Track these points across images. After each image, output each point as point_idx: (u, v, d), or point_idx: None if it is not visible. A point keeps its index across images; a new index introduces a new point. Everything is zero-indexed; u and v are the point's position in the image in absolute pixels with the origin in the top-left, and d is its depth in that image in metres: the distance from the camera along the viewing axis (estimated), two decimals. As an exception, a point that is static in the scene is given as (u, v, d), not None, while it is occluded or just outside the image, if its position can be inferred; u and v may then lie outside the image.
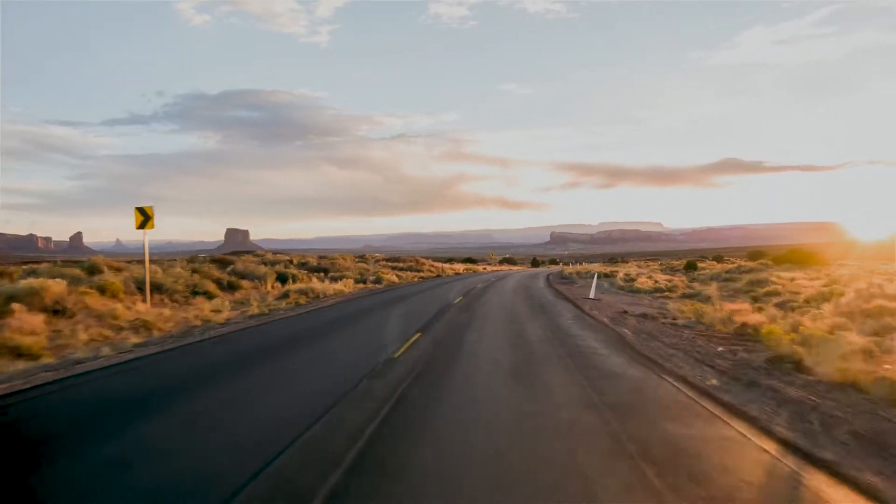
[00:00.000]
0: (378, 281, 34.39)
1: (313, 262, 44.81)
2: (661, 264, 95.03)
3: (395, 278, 36.69)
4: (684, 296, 29.63)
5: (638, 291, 32.52)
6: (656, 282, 37.29)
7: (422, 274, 45.79)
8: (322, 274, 35.33)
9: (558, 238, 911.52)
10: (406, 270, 50.31)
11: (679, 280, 38.59)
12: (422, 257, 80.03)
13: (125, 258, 26.78)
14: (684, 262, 69.86)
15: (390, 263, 55.95)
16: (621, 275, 44.04)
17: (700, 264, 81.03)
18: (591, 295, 23.15)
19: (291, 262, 39.84)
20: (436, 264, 68.55)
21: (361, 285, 30.30)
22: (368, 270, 40.67)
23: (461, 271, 62.64)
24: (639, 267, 71.09)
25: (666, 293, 31.51)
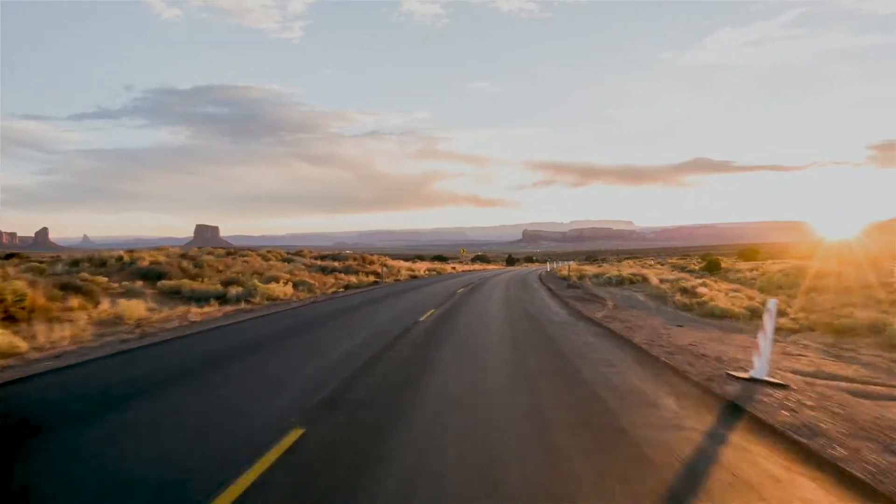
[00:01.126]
0: (246, 297, 18.02)
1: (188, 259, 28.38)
2: (659, 261, 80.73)
3: (284, 292, 20.29)
4: (840, 331, 14.89)
5: (725, 316, 17.47)
6: (726, 294, 22.26)
7: (357, 278, 29.76)
8: (148, 282, 18.90)
9: (531, 236, 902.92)
10: (340, 272, 34.11)
11: (751, 293, 23.66)
12: (376, 255, 63.94)
13: None
14: (703, 259, 55.17)
15: (323, 263, 39.68)
16: (655, 281, 28.72)
17: (689, 264, 67.15)
18: (761, 376, 7.28)
19: (121, 259, 23.31)
20: (391, 263, 52.46)
21: (184, 309, 14.09)
22: (263, 274, 24.41)
23: (422, 273, 46.50)
24: (642, 267, 56.30)
25: (787, 323, 16.68)
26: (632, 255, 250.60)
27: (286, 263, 38.68)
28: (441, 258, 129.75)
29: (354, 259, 45.58)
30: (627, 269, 44.82)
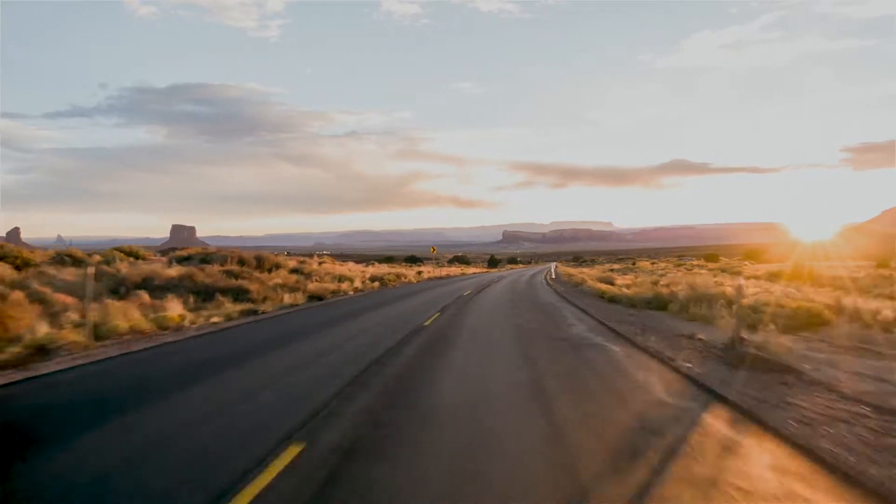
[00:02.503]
0: None
1: None
2: (680, 262, 62.46)
3: None
4: None
5: None
6: None
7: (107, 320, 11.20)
8: None
9: (511, 237, 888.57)
10: (164, 290, 15.43)
11: None
12: (310, 256, 45.44)
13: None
14: (786, 263, 37.19)
15: (163, 272, 20.71)
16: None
17: (735, 266, 51.65)
18: None
19: None
20: (321, 267, 33.79)
21: None
22: None
23: (353, 287, 27.57)
24: (685, 270, 38.69)
25: None
26: (614, 255, 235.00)
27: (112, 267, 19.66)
28: (415, 259, 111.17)
29: (241, 263, 26.48)
30: (616, 272, 26.54)
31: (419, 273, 47.13)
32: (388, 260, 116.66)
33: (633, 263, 60.81)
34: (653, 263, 62.12)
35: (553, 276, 39.82)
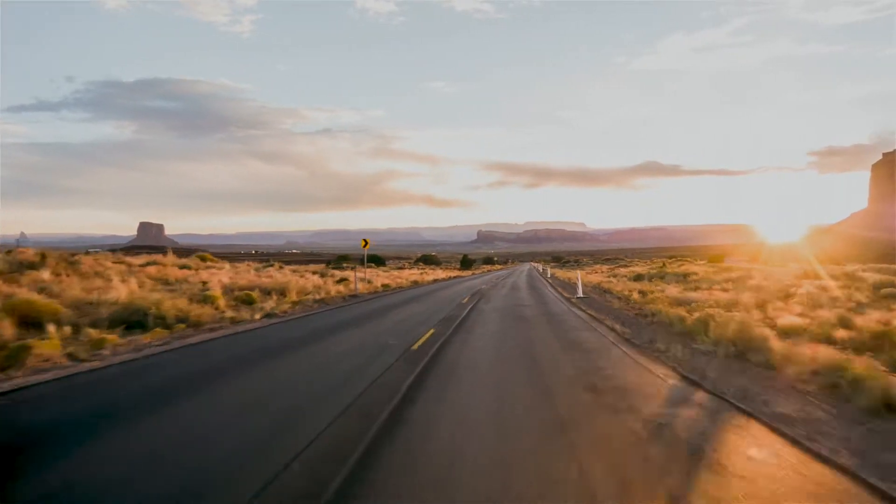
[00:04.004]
0: None
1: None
2: (730, 266, 43.75)
3: None
4: None
5: None
6: None
7: None
8: None
9: (486, 237, 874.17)
10: None
11: None
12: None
13: None
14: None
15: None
16: None
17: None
18: None
19: None
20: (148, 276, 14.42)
21: None
22: None
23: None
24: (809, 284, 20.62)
25: None
26: (600, 255, 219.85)
27: None
28: (376, 259, 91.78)
29: None
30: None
31: (340, 282, 27.86)
32: (343, 259, 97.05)
33: (663, 265, 42.35)
34: (681, 262, 43.75)
35: (581, 295, 21.07)
